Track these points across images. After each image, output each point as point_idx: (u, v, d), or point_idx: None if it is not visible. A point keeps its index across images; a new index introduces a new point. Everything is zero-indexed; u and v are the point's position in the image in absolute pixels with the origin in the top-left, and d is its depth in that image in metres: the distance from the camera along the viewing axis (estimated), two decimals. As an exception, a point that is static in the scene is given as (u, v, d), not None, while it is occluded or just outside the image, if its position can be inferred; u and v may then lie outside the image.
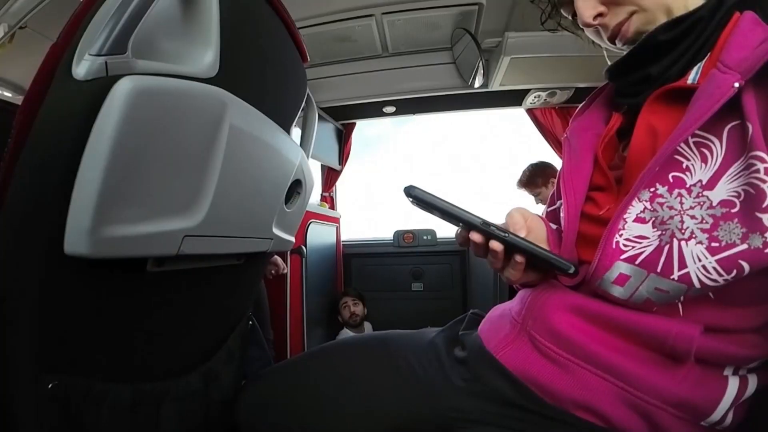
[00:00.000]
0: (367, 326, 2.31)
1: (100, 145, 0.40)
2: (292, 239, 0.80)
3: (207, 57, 0.49)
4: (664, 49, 0.47)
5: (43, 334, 0.48)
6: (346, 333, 2.20)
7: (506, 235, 0.44)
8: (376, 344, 0.64)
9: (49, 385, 0.47)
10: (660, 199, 0.41)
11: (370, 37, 1.69)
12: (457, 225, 0.47)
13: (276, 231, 0.71)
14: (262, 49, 0.60)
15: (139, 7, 0.41)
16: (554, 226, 0.58)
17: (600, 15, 0.50)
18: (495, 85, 1.80)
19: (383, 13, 1.54)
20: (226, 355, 0.77)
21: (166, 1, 0.47)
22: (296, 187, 0.76)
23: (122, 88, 0.39)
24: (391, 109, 2.09)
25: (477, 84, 1.75)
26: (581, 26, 0.52)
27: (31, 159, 0.45)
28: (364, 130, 2.34)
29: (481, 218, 0.44)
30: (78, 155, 0.41)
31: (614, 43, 0.51)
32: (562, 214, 0.55)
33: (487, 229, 0.44)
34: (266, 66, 0.61)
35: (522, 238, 0.45)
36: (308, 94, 0.81)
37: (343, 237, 2.46)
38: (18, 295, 0.47)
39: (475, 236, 0.45)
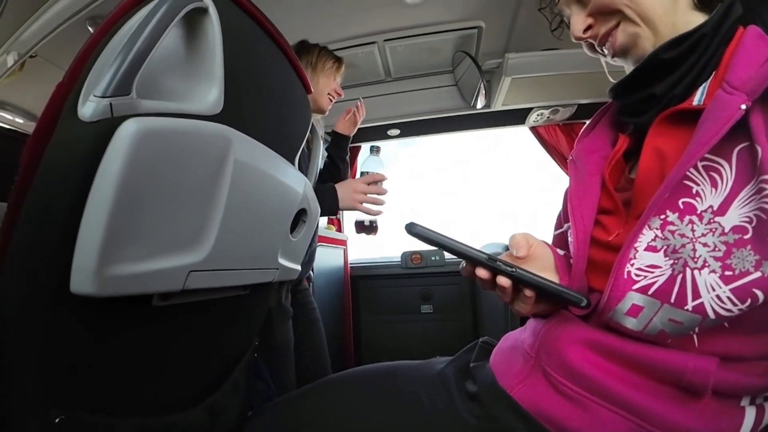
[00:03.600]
0: None
1: (104, 187, 0.40)
2: (298, 268, 0.79)
3: (211, 94, 0.50)
4: (668, 68, 0.47)
5: (48, 369, 0.47)
6: None
7: (513, 270, 0.43)
8: (383, 377, 0.62)
9: (56, 420, 0.47)
10: (671, 227, 0.40)
11: (373, 63, 1.72)
12: (463, 260, 0.46)
13: (282, 261, 0.71)
14: (265, 84, 0.61)
15: (143, 48, 0.42)
16: (561, 252, 0.57)
17: (589, 27, 0.52)
18: (497, 105, 1.81)
19: (385, 40, 1.57)
20: (232, 387, 0.75)
21: (170, 40, 0.48)
22: (302, 216, 0.76)
23: (127, 130, 0.39)
24: (395, 132, 2.11)
25: (479, 105, 1.76)
26: (574, 41, 0.54)
27: (38, 199, 0.45)
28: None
29: (486, 253, 0.43)
30: (83, 197, 0.41)
31: (605, 55, 0.53)
32: (570, 239, 0.54)
33: (493, 265, 0.43)
34: (270, 100, 0.62)
35: (530, 273, 0.44)
36: (312, 124, 0.82)
37: (351, 257, 2.44)
38: (24, 331, 0.47)
39: (482, 272, 0.44)
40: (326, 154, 1.32)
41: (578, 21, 0.52)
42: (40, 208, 0.45)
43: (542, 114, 1.97)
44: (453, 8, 1.42)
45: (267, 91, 0.61)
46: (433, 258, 2.29)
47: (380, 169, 1.11)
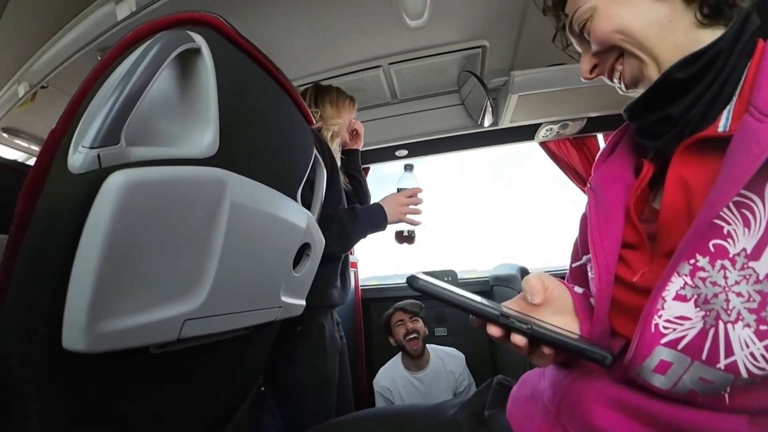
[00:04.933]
0: (433, 360, 1.88)
1: (92, 242, 0.39)
2: (302, 303, 0.77)
3: (206, 137, 0.49)
4: (683, 88, 0.44)
5: (49, 420, 0.46)
6: (400, 369, 1.87)
7: (529, 327, 0.39)
8: (391, 421, 0.58)
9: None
10: (702, 273, 0.36)
11: (378, 86, 1.72)
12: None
13: (284, 298, 0.68)
14: (263, 120, 0.60)
15: (132, 94, 0.40)
16: (580, 290, 0.53)
17: (594, 67, 0.52)
18: (505, 123, 1.79)
19: (390, 64, 1.57)
20: (237, 426, 0.73)
21: (162, 82, 0.47)
22: (305, 250, 0.74)
23: (113, 183, 0.38)
24: (403, 152, 2.10)
25: (487, 123, 1.74)
26: (582, 78, 0.54)
27: (30, 251, 0.44)
28: (381, 168, 2.33)
29: (498, 309, 0.39)
30: (72, 251, 0.40)
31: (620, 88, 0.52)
32: (590, 274, 0.50)
33: (506, 323, 0.39)
34: (269, 136, 0.61)
35: (549, 329, 0.40)
36: (316, 155, 0.80)
37: (363, 275, 2.40)
38: (25, 384, 0.46)
39: (494, 330, 0.40)
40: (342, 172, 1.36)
41: (585, 62, 0.52)
42: (32, 262, 0.44)
43: (551, 129, 1.93)
44: (456, 29, 1.41)
45: (266, 128, 0.60)
46: (445, 279, 2.24)
47: (415, 183, 1.21)
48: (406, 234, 1.19)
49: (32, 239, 0.44)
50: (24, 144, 1.72)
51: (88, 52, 1.15)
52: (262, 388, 0.97)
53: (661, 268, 0.41)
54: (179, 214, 0.44)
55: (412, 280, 0.40)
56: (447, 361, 1.95)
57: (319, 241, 0.76)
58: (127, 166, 0.41)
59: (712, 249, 0.36)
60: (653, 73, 0.46)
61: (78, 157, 0.40)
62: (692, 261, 0.36)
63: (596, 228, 0.48)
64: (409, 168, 1.26)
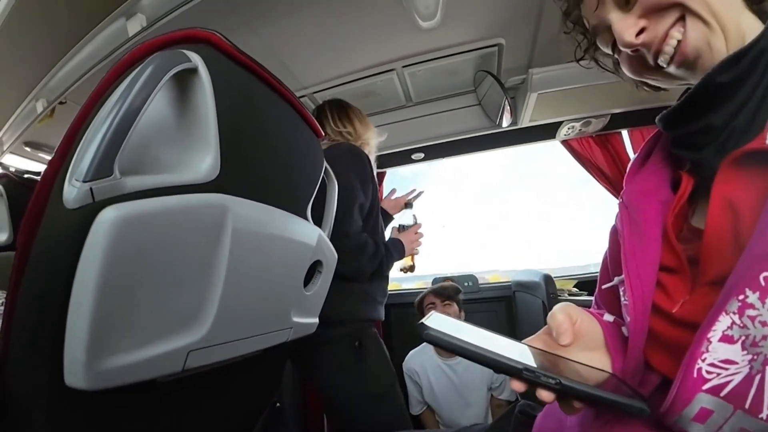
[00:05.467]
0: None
1: (86, 279, 0.37)
2: (315, 321, 0.74)
3: (206, 161, 0.47)
4: (726, 93, 0.38)
5: None
6: (430, 353, 1.81)
7: (557, 382, 0.34)
8: None
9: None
10: (751, 311, 0.31)
11: (392, 89, 1.69)
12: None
13: (296, 318, 0.66)
14: (267, 137, 0.57)
15: (122, 125, 0.39)
16: (609, 318, 0.48)
17: (641, 31, 0.42)
18: (525, 122, 1.73)
19: (403, 66, 1.54)
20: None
21: (159, 106, 0.45)
22: (317, 267, 0.72)
23: (105, 219, 0.37)
24: (419, 155, 2.06)
25: (505, 123, 1.69)
26: (623, 47, 0.44)
27: (30, 287, 0.43)
28: (399, 169, 2.29)
29: (522, 363, 0.35)
30: (69, 288, 0.39)
31: (661, 65, 0.43)
32: (623, 300, 0.45)
33: (531, 378, 0.34)
34: (274, 153, 0.59)
35: (579, 384, 0.35)
36: (326, 168, 0.78)
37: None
38: (31, 420, 0.46)
39: (517, 385, 0.35)
40: None
41: (628, 25, 0.42)
42: (33, 298, 0.43)
43: (573, 127, 1.86)
44: (470, 28, 1.36)
45: (270, 145, 0.58)
46: (466, 284, 2.18)
47: (413, 220, 1.47)
48: (408, 266, 1.46)
49: (32, 273, 0.43)
50: (47, 157, 1.77)
51: (104, 67, 1.17)
52: (278, 404, 0.96)
53: (703, 298, 0.36)
54: (178, 245, 0.42)
55: (421, 330, 0.36)
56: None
57: (331, 257, 0.74)
58: (122, 197, 0.39)
59: (762, 283, 0.31)
60: (721, 47, 0.39)
61: (71, 191, 0.38)
62: (741, 297, 0.32)
63: (631, 251, 0.43)
64: (410, 206, 1.52)
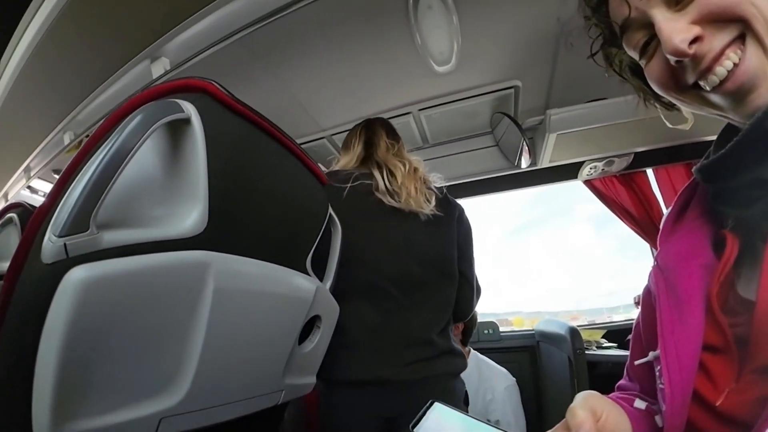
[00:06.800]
0: (471, 363, 1.70)
1: (50, 343, 0.35)
2: (312, 381, 0.69)
3: (192, 215, 0.45)
4: None
5: None
6: None
7: None
8: None
9: None
10: None
11: (409, 132, 1.69)
12: None
13: (288, 380, 0.61)
14: (264, 189, 0.55)
15: (102, 179, 0.37)
16: (641, 405, 0.41)
17: (695, 40, 0.34)
18: (544, 162, 1.68)
19: (419, 110, 1.54)
20: None
21: (145, 159, 0.44)
22: (315, 322, 0.67)
23: (72, 279, 0.34)
24: (436, 195, 2.03)
25: (524, 164, 1.65)
26: (669, 54, 0.35)
27: (6, 341, 0.41)
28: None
29: None
30: (36, 348, 0.36)
31: (702, 86, 0.35)
32: (659, 383, 0.38)
33: None
34: (270, 205, 0.56)
35: None
36: (331, 214, 0.75)
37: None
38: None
39: None
40: None
41: (680, 29, 0.34)
42: (7, 354, 0.40)
43: (596, 167, 1.80)
44: (486, 72, 1.36)
45: (266, 196, 0.56)
46: (485, 331, 2.05)
47: None
48: None
49: (8, 326, 0.40)
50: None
51: (127, 107, 1.22)
52: None
53: (752, 387, 0.30)
54: (152, 306, 0.39)
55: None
56: (487, 376, 1.73)
57: (332, 310, 0.69)
58: (97, 254, 0.37)
59: None
60: None
61: (48, 246, 0.37)
62: None
63: (669, 326, 0.37)
64: None
